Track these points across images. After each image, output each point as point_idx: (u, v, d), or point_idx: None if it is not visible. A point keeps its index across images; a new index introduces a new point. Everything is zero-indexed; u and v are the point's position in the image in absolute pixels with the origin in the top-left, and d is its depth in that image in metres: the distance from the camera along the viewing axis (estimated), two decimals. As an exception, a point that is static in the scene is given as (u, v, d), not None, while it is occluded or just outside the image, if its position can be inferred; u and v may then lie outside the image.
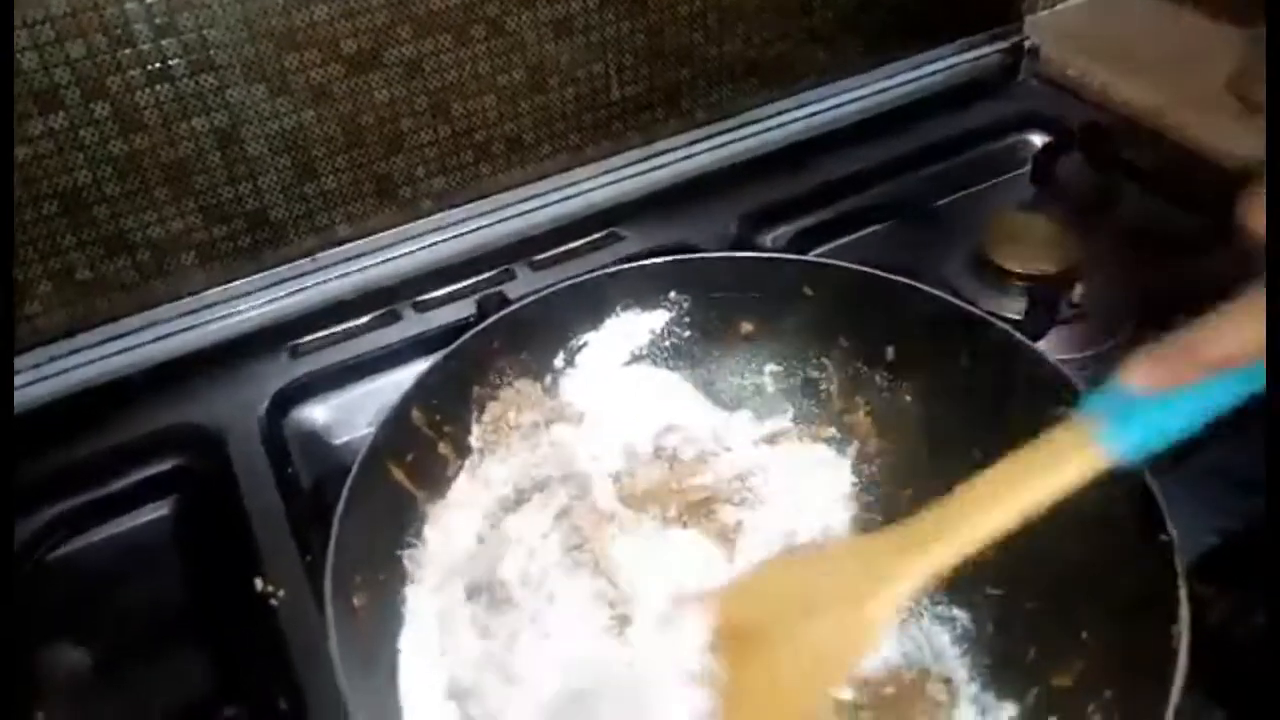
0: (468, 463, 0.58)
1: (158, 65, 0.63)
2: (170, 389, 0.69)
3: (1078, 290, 0.71)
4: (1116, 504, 0.48)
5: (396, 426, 0.53)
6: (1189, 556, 0.45)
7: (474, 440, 0.58)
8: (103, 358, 0.70)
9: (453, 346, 0.56)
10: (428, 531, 0.54)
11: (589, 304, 0.61)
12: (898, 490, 0.59)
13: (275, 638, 0.54)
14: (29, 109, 0.60)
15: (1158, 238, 0.77)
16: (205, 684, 0.55)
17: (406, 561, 0.53)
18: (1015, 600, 0.52)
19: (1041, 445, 0.42)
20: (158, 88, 0.63)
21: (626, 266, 0.62)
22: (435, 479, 0.56)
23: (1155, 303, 0.73)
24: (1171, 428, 0.40)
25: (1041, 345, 0.59)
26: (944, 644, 0.54)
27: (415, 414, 0.54)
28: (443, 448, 0.57)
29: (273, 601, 0.55)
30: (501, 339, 0.58)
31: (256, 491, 0.61)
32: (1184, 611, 0.42)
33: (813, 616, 0.45)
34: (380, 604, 0.50)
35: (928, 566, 0.43)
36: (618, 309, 0.62)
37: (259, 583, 0.56)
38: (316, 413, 0.68)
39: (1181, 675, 0.40)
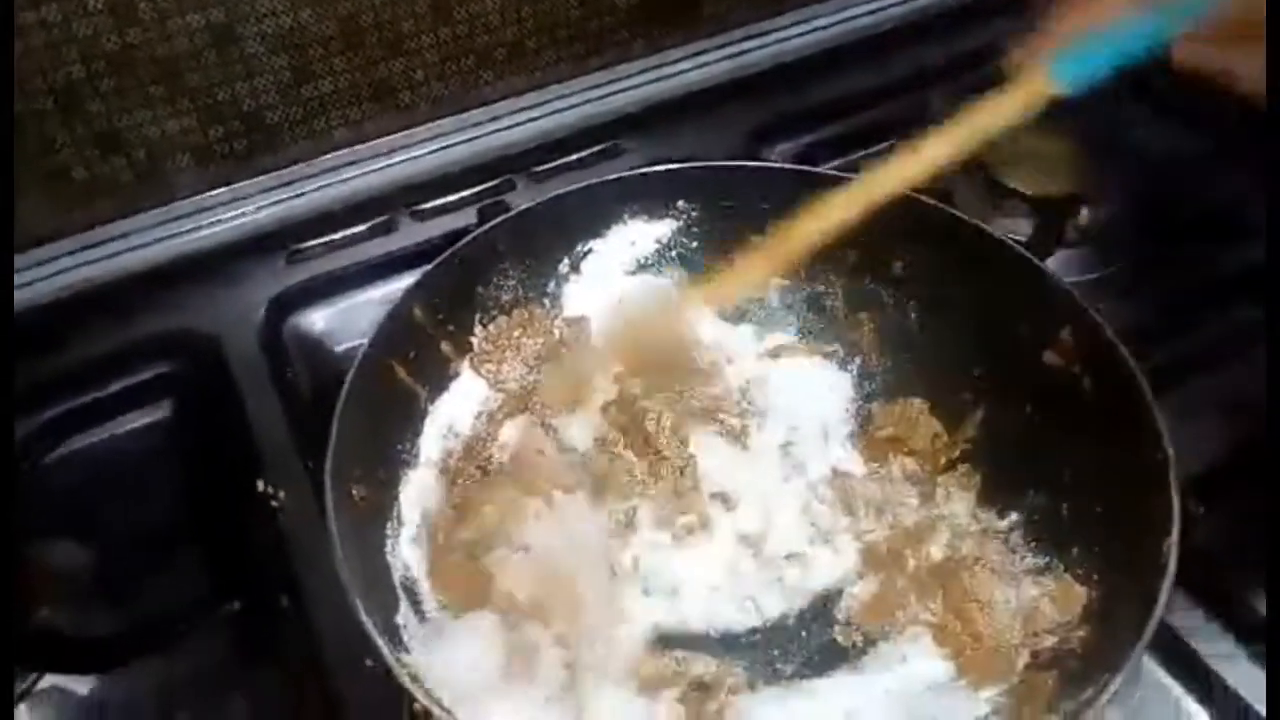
0: (469, 362, 0.58)
1: (152, -46, 0.61)
2: (165, 293, 0.68)
3: (1084, 214, 0.71)
4: (1115, 424, 0.48)
5: (398, 323, 0.53)
6: (1184, 475, 0.45)
7: (476, 342, 0.58)
8: (97, 260, 0.69)
9: (457, 246, 0.56)
10: (427, 426, 0.55)
11: (595, 210, 0.60)
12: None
13: (276, 537, 0.54)
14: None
15: (1167, 162, 0.76)
16: (206, 581, 0.55)
17: (406, 455, 0.53)
18: (1013, 518, 0.53)
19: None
20: (152, -22, 0.61)
21: (635, 172, 0.61)
22: (437, 376, 0.56)
23: (1161, 228, 0.73)
24: (1105, 59, 0.45)
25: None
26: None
27: (417, 311, 0.54)
28: (445, 347, 0.56)
29: (274, 503, 0.55)
30: (506, 242, 0.58)
31: (256, 395, 0.61)
32: (1175, 527, 0.43)
33: None
34: (380, 495, 0.50)
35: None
36: (625, 217, 0.61)
37: (260, 484, 0.56)
38: (315, 319, 0.67)
39: (1169, 586, 0.42)
